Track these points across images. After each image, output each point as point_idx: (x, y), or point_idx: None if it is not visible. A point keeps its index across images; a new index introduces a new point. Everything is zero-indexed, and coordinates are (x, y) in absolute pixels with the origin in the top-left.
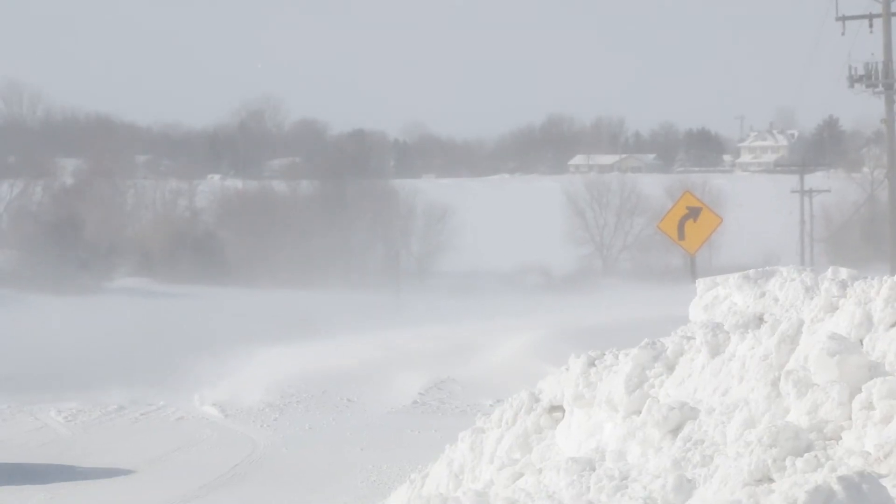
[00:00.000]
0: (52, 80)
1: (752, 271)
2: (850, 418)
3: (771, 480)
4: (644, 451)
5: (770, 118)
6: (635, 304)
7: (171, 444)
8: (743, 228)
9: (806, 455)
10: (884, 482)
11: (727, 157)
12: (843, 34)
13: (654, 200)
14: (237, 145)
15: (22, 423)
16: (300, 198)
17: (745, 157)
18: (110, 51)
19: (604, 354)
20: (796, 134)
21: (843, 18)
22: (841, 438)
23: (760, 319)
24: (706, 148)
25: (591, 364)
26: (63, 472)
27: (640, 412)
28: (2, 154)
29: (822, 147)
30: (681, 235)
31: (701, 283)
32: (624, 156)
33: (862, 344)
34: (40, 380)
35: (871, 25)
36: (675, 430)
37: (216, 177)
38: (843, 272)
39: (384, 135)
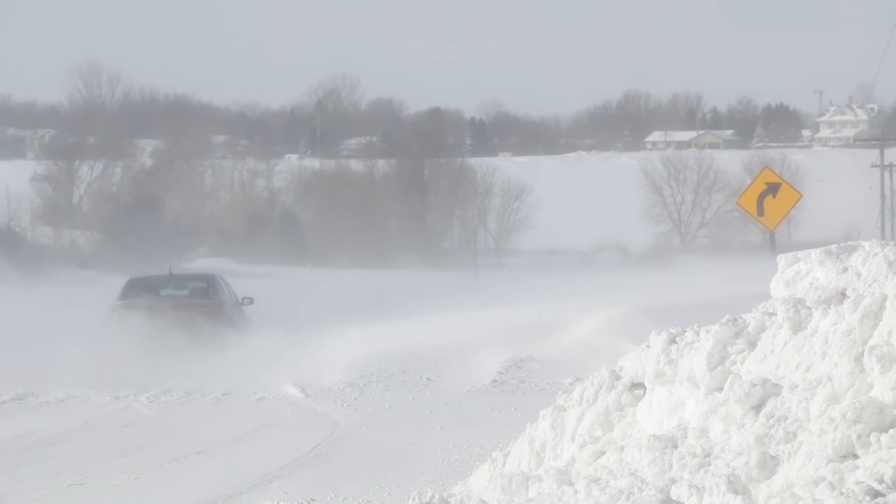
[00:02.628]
0: (131, 62)
1: (833, 246)
2: None
3: (855, 457)
4: (726, 428)
5: (849, 92)
6: (714, 280)
7: (252, 424)
8: (822, 204)
9: (891, 431)
10: None
11: (806, 133)
12: None
13: (731, 177)
14: (314, 125)
15: (106, 403)
16: (377, 177)
17: (825, 132)
18: (188, 32)
19: (685, 331)
20: (876, 108)
21: None
22: None
23: (843, 295)
24: (784, 123)
25: (672, 341)
26: (147, 451)
27: (721, 389)
28: (81, 136)
29: None
30: (760, 211)
31: (782, 259)
32: (701, 132)
33: None
34: (121, 361)
35: None
36: (758, 407)
37: (293, 156)
38: None
39: (460, 113)
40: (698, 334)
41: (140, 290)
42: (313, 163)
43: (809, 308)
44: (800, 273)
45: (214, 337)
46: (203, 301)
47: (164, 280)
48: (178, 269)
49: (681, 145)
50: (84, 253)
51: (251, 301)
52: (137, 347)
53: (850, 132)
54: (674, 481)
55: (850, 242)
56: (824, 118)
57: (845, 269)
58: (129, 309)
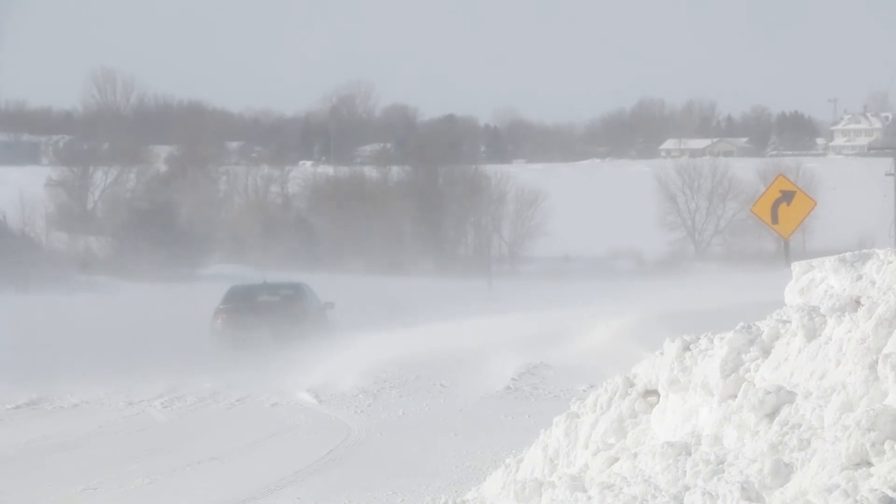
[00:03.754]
0: (146, 68)
1: (848, 254)
2: None
3: (869, 464)
4: (740, 436)
5: (864, 101)
6: (728, 288)
7: (265, 429)
8: (836, 212)
9: None
10: None
11: (820, 141)
12: None
13: (746, 184)
14: (328, 131)
15: (120, 409)
16: (391, 184)
17: (839, 141)
18: (202, 38)
19: (698, 338)
20: (890, 116)
21: None
22: None
23: (857, 302)
24: (799, 131)
25: (686, 348)
26: (161, 456)
27: (735, 396)
28: (96, 142)
29: None
30: (774, 219)
31: (796, 267)
32: (716, 140)
33: None
34: (136, 367)
35: None
36: (772, 415)
37: (308, 163)
38: None
39: (475, 120)
40: (712, 342)
41: (239, 297)
42: (327, 169)
43: (824, 316)
44: (814, 281)
45: (301, 336)
46: (292, 305)
47: (260, 288)
48: (271, 279)
49: (695, 153)
50: (96, 259)
51: (332, 306)
52: (237, 346)
53: (864, 140)
54: (687, 488)
55: (864, 250)
56: (839, 126)
57: (860, 277)
58: (229, 313)
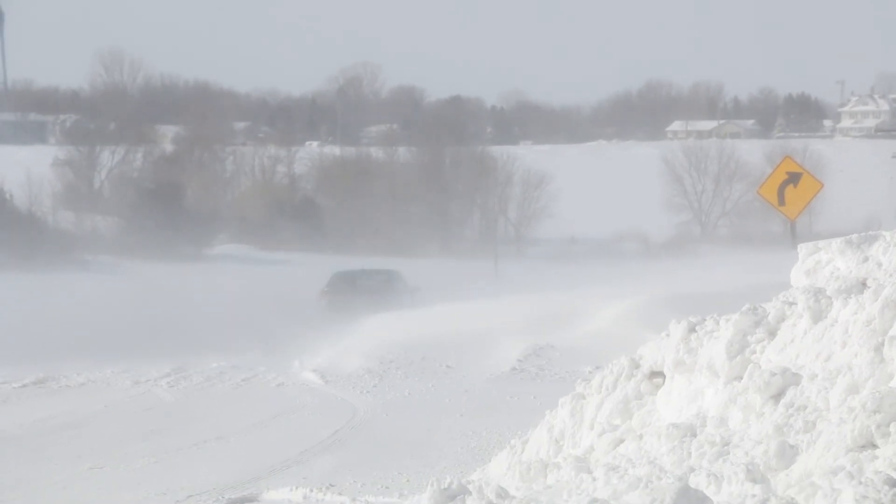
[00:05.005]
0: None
1: (854, 236)
2: None
3: (875, 446)
4: (746, 417)
5: (871, 82)
6: (735, 270)
7: (271, 409)
8: (844, 194)
9: None
10: None
11: (827, 123)
12: None
13: (753, 166)
14: (335, 112)
15: (126, 388)
16: (397, 164)
17: (846, 123)
18: (210, 18)
19: (704, 320)
20: None
21: None
22: None
23: (863, 284)
24: (806, 113)
25: (692, 330)
26: (167, 435)
27: (741, 378)
28: (103, 122)
29: None
30: (781, 201)
31: (803, 248)
32: (722, 121)
33: None
34: (143, 346)
35: None
36: (777, 396)
37: (314, 143)
38: None
39: (481, 101)
40: (718, 323)
41: (341, 281)
42: (334, 150)
43: (830, 297)
44: (820, 262)
45: (394, 314)
46: (386, 289)
47: (359, 273)
48: (367, 266)
49: (702, 135)
50: (103, 239)
51: (419, 290)
52: (340, 323)
53: (871, 122)
54: (692, 469)
55: (870, 232)
56: (846, 108)
57: (866, 259)
58: (333, 294)
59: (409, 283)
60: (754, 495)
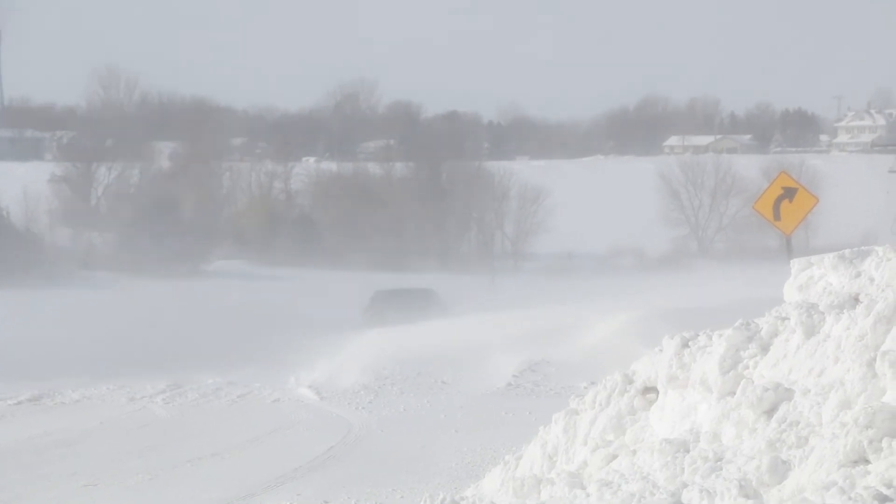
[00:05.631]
0: (149, 65)
1: (847, 251)
2: None
3: (867, 462)
4: (738, 433)
5: (868, 98)
6: (731, 285)
7: (267, 425)
8: (839, 209)
9: None
10: None
11: (824, 138)
12: None
13: (749, 181)
14: (332, 128)
15: (122, 405)
16: (394, 180)
17: (843, 138)
18: (206, 35)
19: (697, 335)
20: (894, 113)
21: None
22: None
23: (856, 299)
24: (803, 128)
25: (685, 345)
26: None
27: (734, 393)
28: (100, 138)
29: None
30: (776, 216)
31: (795, 264)
32: (719, 136)
33: None
34: (139, 363)
35: None
36: (770, 412)
37: (311, 159)
38: None
39: (478, 116)
40: (711, 339)
41: (382, 299)
42: (331, 165)
43: (822, 313)
44: (813, 278)
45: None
46: (422, 306)
47: (398, 292)
48: (406, 285)
49: (698, 150)
50: (100, 255)
51: (451, 306)
52: (382, 335)
53: (868, 137)
54: (685, 485)
55: (863, 247)
56: (842, 123)
57: (858, 274)
58: (375, 312)
59: (442, 301)
60: None
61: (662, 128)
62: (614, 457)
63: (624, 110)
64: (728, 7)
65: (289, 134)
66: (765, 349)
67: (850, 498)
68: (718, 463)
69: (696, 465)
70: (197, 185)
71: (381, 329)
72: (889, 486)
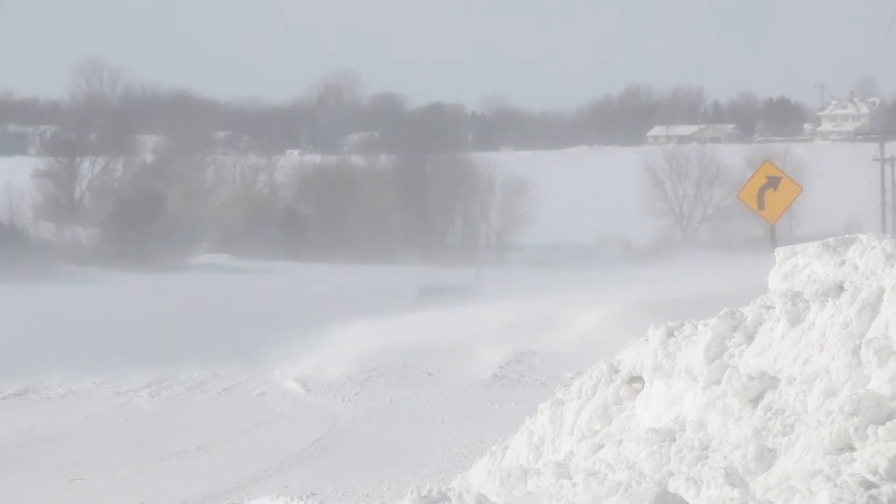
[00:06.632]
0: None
1: (831, 239)
2: None
3: (852, 449)
4: (724, 421)
5: (851, 86)
6: (715, 274)
7: (253, 418)
8: (823, 197)
9: (888, 423)
10: None
11: (807, 126)
12: None
13: (733, 171)
14: (315, 120)
15: (107, 399)
16: (378, 172)
17: (826, 126)
18: (189, 27)
19: (682, 325)
20: (878, 101)
21: None
22: None
23: (840, 288)
24: (786, 117)
25: (671, 335)
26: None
27: (719, 382)
28: (83, 132)
29: None
30: (761, 205)
31: (780, 252)
32: (703, 126)
33: None
34: (124, 357)
35: None
36: (756, 400)
37: (295, 152)
38: None
39: (462, 108)
40: (696, 328)
41: (426, 294)
42: (315, 158)
43: (807, 301)
44: (797, 266)
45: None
46: (460, 300)
47: (440, 288)
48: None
49: (682, 139)
50: (84, 249)
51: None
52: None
53: (851, 126)
54: (671, 474)
55: (847, 236)
56: (826, 112)
57: (843, 263)
58: (422, 305)
59: (475, 296)
60: (733, 499)
61: (646, 118)
62: (601, 446)
63: (608, 100)
64: None
65: (272, 127)
66: (750, 338)
67: (835, 485)
68: (704, 452)
69: (682, 454)
70: (181, 179)
71: (366, 321)
72: (874, 472)
